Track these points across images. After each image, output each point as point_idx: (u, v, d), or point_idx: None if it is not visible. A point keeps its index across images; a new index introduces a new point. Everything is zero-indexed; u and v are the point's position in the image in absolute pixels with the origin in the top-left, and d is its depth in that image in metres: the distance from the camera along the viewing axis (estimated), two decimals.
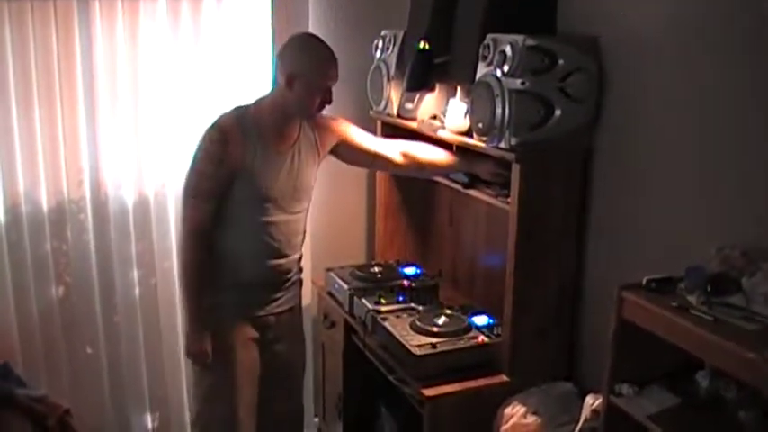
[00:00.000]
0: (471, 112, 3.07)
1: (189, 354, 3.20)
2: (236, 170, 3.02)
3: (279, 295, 3.28)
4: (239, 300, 3.18)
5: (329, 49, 3.06)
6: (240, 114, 3.09)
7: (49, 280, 3.89)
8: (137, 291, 4.06)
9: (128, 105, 3.83)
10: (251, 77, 3.95)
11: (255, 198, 3.07)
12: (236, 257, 3.16)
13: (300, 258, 3.35)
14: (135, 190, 3.95)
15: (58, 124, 3.72)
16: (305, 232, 3.34)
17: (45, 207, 3.80)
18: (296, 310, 3.43)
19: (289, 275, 3.30)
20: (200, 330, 3.14)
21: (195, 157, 3.06)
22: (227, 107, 3.18)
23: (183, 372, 4.21)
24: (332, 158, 3.44)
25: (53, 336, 3.93)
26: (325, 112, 3.19)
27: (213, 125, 3.07)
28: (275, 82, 3.10)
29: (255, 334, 3.25)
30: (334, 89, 3.08)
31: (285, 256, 3.22)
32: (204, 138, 3.05)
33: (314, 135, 3.27)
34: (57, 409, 2.95)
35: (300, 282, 3.42)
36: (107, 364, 4.06)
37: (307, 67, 3.00)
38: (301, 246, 3.32)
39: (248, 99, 3.20)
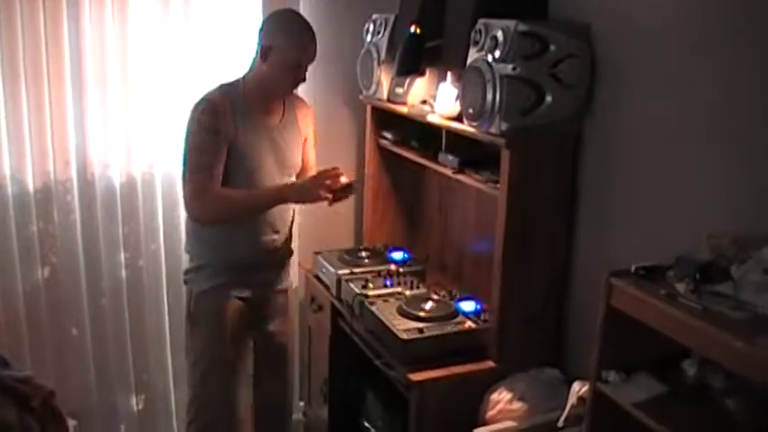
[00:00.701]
0: (462, 96, 3.06)
1: (307, 193, 3.12)
2: (230, 141, 3.01)
3: (273, 275, 3.32)
4: (236, 280, 3.19)
5: (308, 26, 3.07)
6: (226, 90, 3.10)
7: (35, 261, 3.85)
8: (123, 273, 4.03)
9: (116, 85, 3.80)
10: (241, 58, 3.91)
11: (247, 171, 3.08)
12: (231, 235, 3.16)
13: (291, 237, 3.38)
14: (122, 171, 3.91)
15: (45, 104, 3.68)
16: (294, 210, 3.35)
17: (31, 188, 3.76)
18: (288, 292, 3.46)
19: (281, 253, 3.34)
20: (278, 190, 3.13)
21: (189, 133, 3.04)
22: (214, 86, 3.16)
23: (168, 355, 4.20)
24: (321, 143, 3.43)
25: (38, 317, 3.90)
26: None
27: (201, 100, 3.07)
28: (255, 56, 3.11)
29: (250, 315, 3.26)
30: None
31: (278, 231, 3.25)
32: (195, 112, 3.04)
33: (297, 115, 3.30)
34: (41, 391, 2.92)
35: (289, 263, 3.43)
36: (92, 346, 4.03)
37: (281, 41, 3.01)
38: (292, 223, 3.34)
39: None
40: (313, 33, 3.06)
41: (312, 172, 3.36)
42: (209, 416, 3.29)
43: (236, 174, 3.05)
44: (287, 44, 3.01)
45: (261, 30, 3.09)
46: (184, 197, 3.07)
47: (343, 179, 3.10)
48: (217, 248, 3.17)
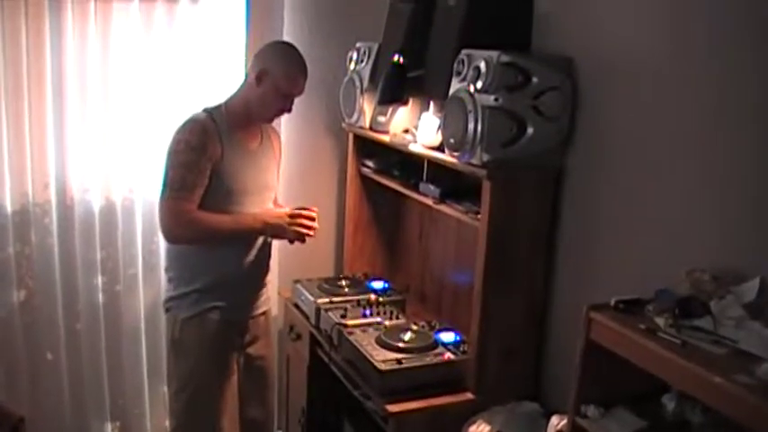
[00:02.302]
0: (443, 126, 3.06)
1: (281, 232, 3.19)
2: (215, 162, 3.01)
3: (256, 296, 3.31)
4: (220, 304, 3.16)
5: (304, 62, 3.12)
6: (210, 113, 3.10)
7: (11, 283, 3.82)
8: (100, 297, 4.00)
9: (97, 109, 3.79)
10: (223, 85, 3.91)
11: (227, 192, 3.07)
12: (216, 258, 3.14)
13: (270, 256, 3.36)
14: (101, 195, 3.90)
15: (24, 125, 3.67)
16: None
17: (9, 210, 3.74)
18: (268, 314, 3.45)
19: (263, 274, 3.32)
20: (256, 222, 3.14)
21: (173, 152, 3.01)
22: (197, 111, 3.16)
23: (144, 381, 4.16)
24: (302, 170, 3.41)
25: (13, 341, 3.85)
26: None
27: (187, 121, 3.07)
28: (245, 79, 3.15)
29: (235, 339, 3.25)
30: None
31: (258, 251, 3.23)
32: (182, 132, 3.03)
33: (272, 140, 3.34)
34: (10, 418, 2.88)
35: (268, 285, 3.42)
36: (67, 372, 4.00)
37: (278, 69, 3.05)
38: (270, 245, 3.32)
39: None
40: (306, 70, 3.11)
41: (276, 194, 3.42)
42: None
43: (215, 194, 3.04)
44: (282, 73, 3.05)
45: (258, 54, 3.13)
46: (161, 215, 3.02)
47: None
48: (201, 272, 3.14)
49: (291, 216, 3.18)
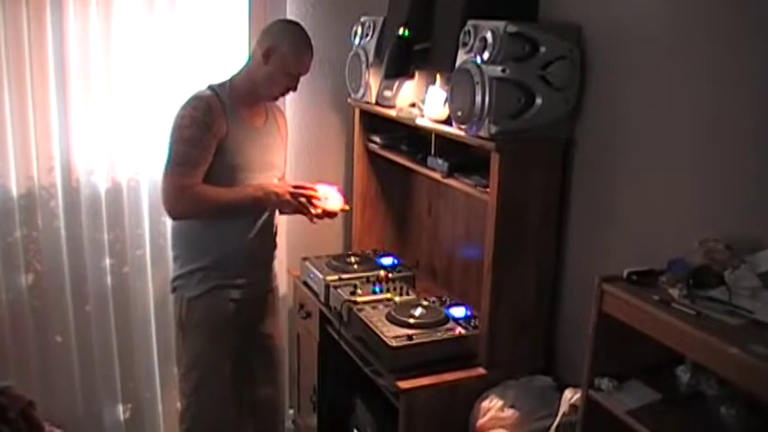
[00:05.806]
0: (451, 99, 3.02)
1: (284, 203, 3.18)
2: (220, 139, 3.00)
3: (263, 274, 3.31)
4: (226, 282, 3.17)
5: (311, 41, 3.11)
6: (216, 90, 3.09)
7: (19, 267, 3.81)
8: (108, 279, 3.99)
9: (101, 90, 3.76)
10: (226, 64, 3.88)
11: (232, 170, 3.07)
12: (220, 234, 3.14)
13: (276, 233, 3.36)
14: (107, 177, 3.87)
15: (28, 108, 3.64)
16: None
17: (15, 193, 3.72)
18: (276, 291, 3.46)
19: (268, 251, 3.33)
20: (258, 191, 3.11)
21: (178, 127, 3.01)
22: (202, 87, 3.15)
23: (155, 363, 4.16)
24: (308, 147, 3.39)
25: (22, 324, 3.85)
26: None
27: (192, 98, 3.07)
28: (251, 57, 3.14)
29: (243, 317, 3.25)
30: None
31: (263, 228, 3.23)
32: (187, 108, 3.03)
33: (277, 118, 3.34)
34: (19, 401, 2.87)
35: (275, 262, 3.43)
36: (77, 354, 3.99)
37: (286, 46, 3.04)
38: (275, 220, 3.33)
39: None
40: (312, 48, 3.11)
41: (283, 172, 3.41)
42: (206, 425, 3.26)
43: (220, 172, 3.03)
44: (290, 51, 3.05)
45: (266, 31, 3.13)
46: (164, 190, 3.02)
47: (333, 206, 3.24)
48: (206, 249, 3.14)
49: (294, 188, 3.17)
